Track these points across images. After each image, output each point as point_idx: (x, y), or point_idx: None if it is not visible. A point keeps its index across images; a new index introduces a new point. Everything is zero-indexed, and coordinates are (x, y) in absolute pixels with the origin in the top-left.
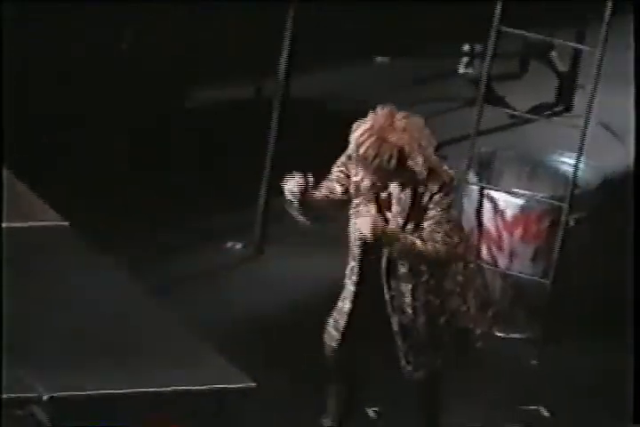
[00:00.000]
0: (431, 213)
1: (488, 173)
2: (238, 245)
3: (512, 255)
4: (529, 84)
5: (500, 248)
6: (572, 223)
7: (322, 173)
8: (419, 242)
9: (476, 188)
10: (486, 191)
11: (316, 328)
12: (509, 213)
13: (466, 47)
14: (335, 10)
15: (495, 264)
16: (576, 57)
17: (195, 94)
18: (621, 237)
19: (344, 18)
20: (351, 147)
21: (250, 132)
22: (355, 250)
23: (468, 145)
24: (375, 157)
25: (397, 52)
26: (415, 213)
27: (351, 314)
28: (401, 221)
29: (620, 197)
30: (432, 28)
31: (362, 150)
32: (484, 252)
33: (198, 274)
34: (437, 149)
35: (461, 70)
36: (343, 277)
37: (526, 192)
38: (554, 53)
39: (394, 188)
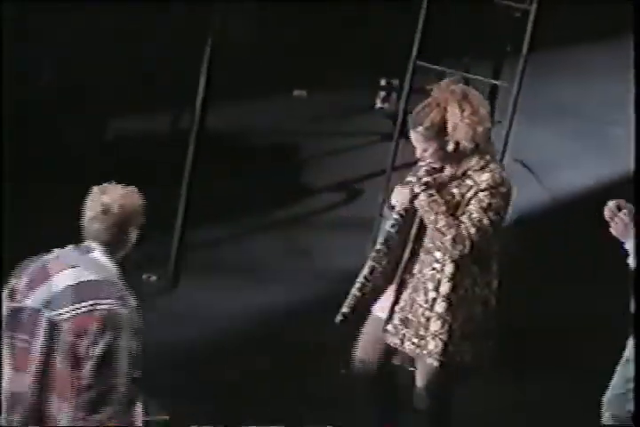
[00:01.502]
0: (469, 207)
1: None
2: (153, 278)
3: None
4: None
5: None
6: None
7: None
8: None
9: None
10: None
11: (226, 361)
12: None
13: (383, 82)
14: (254, 42)
15: None
16: (492, 92)
17: (112, 126)
18: (531, 274)
19: (263, 51)
20: None
21: (166, 163)
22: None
23: (384, 179)
24: (417, 114)
25: (315, 86)
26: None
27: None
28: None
29: (536, 232)
30: (349, 62)
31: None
32: None
33: None
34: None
35: (378, 105)
36: (255, 309)
37: None
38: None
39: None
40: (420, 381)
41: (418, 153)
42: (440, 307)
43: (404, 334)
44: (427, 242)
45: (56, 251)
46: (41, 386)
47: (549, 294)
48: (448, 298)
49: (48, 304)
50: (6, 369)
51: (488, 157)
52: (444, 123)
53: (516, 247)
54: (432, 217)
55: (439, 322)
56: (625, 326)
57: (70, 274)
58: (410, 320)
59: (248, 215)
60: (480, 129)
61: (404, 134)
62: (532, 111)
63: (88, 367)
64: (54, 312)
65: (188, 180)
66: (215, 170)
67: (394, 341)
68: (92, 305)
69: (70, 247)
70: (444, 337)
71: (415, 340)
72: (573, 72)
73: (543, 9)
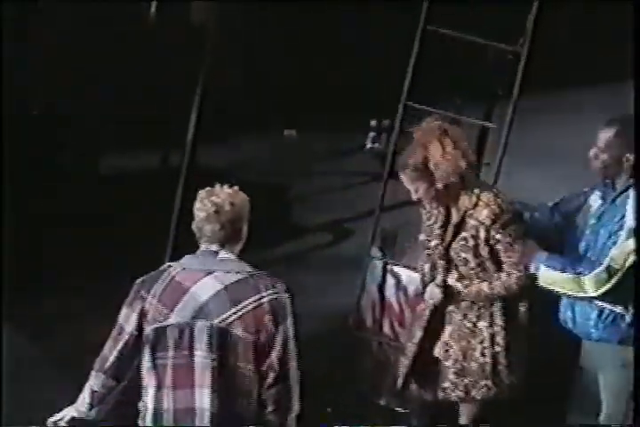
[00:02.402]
0: (498, 251)
1: (392, 249)
2: None
3: (412, 333)
4: None
5: (401, 324)
6: None
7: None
8: (485, 287)
9: (379, 262)
10: (390, 266)
11: None
12: (412, 289)
13: (373, 122)
14: (246, 81)
15: (397, 339)
16: (482, 134)
17: (105, 162)
18: None
19: (254, 90)
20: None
21: (154, 201)
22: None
23: (373, 220)
24: (403, 156)
25: (306, 126)
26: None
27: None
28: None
29: None
30: (341, 102)
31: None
32: (386, 327)
33: None
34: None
35: (368, 145)
36: None
37: None
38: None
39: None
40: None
41: (412, 195)
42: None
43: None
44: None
45: (174, 264)
46: (221, 395)
47: None
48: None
49: (200, 314)
50: (150, 389)
51: (477, 191)
52: (427, 161)
53: None
54: (479, 297)
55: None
56: None
57: (212, 280)
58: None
59: (240, 253)
60: (463, 163)
61: (394, 175)
62: (521, 154)
63: (274, 358)
64: (216, 320)
65: (177, 217)
66: None
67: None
68: (255, 301)
69: (192, 256)
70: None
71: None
72: (563, 115)
73: (534, 51)
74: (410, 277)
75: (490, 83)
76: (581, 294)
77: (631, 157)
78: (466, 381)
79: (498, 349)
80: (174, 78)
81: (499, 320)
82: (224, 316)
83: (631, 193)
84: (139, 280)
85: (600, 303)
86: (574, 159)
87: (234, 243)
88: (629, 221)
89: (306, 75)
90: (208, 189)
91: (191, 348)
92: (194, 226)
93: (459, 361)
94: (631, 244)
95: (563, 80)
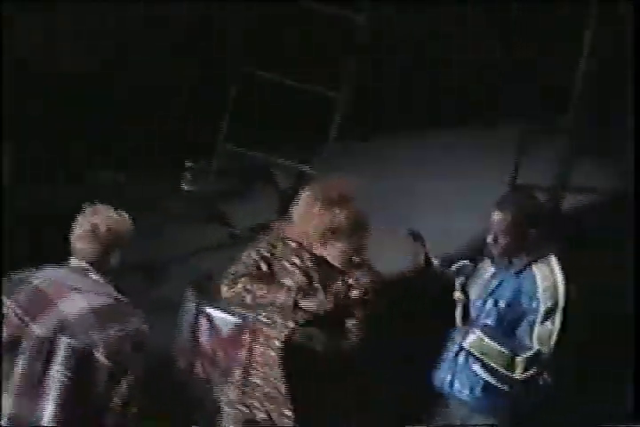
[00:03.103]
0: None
1: (207, 291)
2: None
3: (226, 373)
4: (252, 202)
5: (214, 365)
6: None
7: None
8: None
9: (193, 305)
10: (203, 308)
11: None
12: (225, 331)
13: (189, 164)
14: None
15: (209, 381)
16: (300, 178)
17: None
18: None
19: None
20: (315, 223)
21: None
22: None
23: (189, 262)
24: (349, 221)
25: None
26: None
27: None
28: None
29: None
30: (157, 143)
31: (330, 220)
32: (199, 368)
33: None
34: None
35: (185, 187)
36: None
37: (242, 311)
38: (277, 173)
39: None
40: None
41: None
42: None
43: None
44: None
45: (44, 272)
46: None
47: None
48: None
49: (62, 330)
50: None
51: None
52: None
53: None
54: None
55: None
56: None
57: (79, 299)
58: None
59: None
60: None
61: (211, 217)
62: None
63: (124, 386)
64: (81, 340)
65: None
66: None
67: None
68: (121, 329)
69: (62, 269)
70: None
71: None
72: (374, 160)
73: (354, 95)
74: (223, 320)
75: (307, 126)
76: (504, 373)
77: (534, 231)
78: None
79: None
80: None
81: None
82: (87, 337)
83: (536, 271)
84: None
85: (486, 377)
86: (390, 206)
87: (103, 265)
88: (546, 303)
89: (120, 115)
90: (94, 206)
91: (47, 361)
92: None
93: None
94: (552, 326)
95: (383, 125)
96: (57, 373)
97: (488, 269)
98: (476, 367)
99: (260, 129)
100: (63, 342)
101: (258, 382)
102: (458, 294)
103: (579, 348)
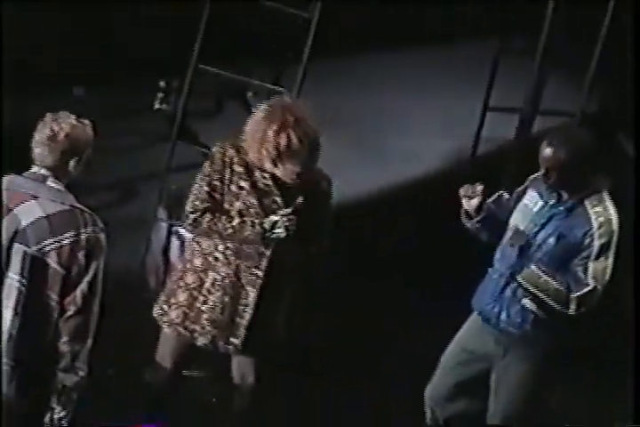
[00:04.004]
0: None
1: (178, 210)
2: None
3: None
4: (223, 123)
5: None
6: None
7: None
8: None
9: (164, 224)
10: (174, 228)
11: None
12: None
13: (162, 83)
14: (35, 38)
15: None
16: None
17: None
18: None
19: (39, 46)
20: (269, 146)
21: None
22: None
23: (160, 181)
24: (303, 143)
25: (94, 85)
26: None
27: None
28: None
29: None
30: (131, 61)
31: (286, 143)
32: None
33: None
34: None
35: (157, 106)
36: None
37: None
38: (250, 93)
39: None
40: None
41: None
42: None
43: None
44: None
45: (3, 180)
46: (22, 319)
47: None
48: None
49: (17, 238)
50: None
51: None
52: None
53: None
54: None
55: None
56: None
57: (35, 205)
58: None
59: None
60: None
61: (182, 136)
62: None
63: (79, 293)
64: (34, 247)
65: None
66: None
67: None
68: (74, 235)
69: (21, 176)
70: None
71: None
72: (352, 81)
73: (326, 17)
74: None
75: (280, 47)
76: (557, 309)
77: (586, 167)
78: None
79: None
80: None
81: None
82: (41, 244)
83: (589, 207)
84: None
85: (535, 311)
86: (361, 124)
87: (62, 174)
88: (600, 239)
89: (94, 32)
90: (55, 113)
91: (3, 268)
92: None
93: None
94: (606, 262)
95: (352, 46)
96: (12, 280)
97: (535, 202)
98: (526, 301)
99: (234, 50)
100: (18, 249)
101: (203, 308)
102: (513, 227)
103: (578, 348)
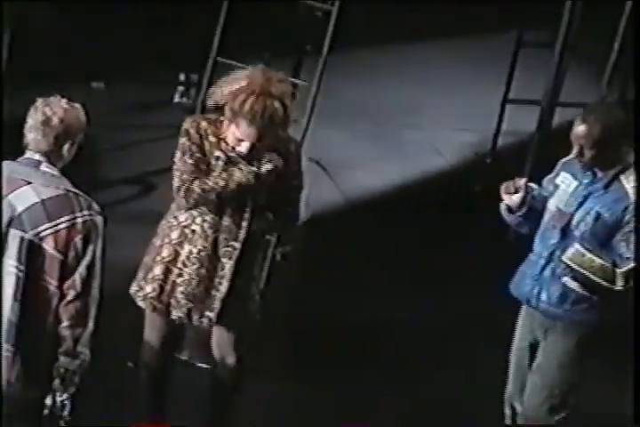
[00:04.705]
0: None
1: None
2: None
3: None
4: None
5: None
6: (278, 257)
7: None
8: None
9: None
10: None
11: None
12: None
13: (182, 76)
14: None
15: None
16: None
17: None
18: (325, 272)
19: (60, 41)
20: (232, 106)
21: None
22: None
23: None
24: (264, 111)
25: (113, 78)
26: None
27: None
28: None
29: (328, 232)
30: (150, 54)
31: (247, 107)
32: None
33: None
34: None
35: (177, 99)
36: None
37: None
38: None
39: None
40: None
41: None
42: None
43: None
44: None
45: None
46: (22, 304)
47: (344, 293)
48: None
49: (13, 223)
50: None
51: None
52: None
53: (309, 246)
54: None
55: None
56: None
57: (29, 191)
58: None
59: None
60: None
61: None
62: (329, 111)
63: (77, 278)
64: (29, 232)
65: None
66: None
67: None
68: (70, 220)
69: (15, 162)
70: None
71: None
72: (371, 74)
73: (345, 10)
74: None
75: (300, 39)
76: (605, 285)
77: (621, 141)
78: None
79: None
80: None
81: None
82: (37, 230)
83: (625, 182)
84: None
85: (577, 289)
86: (381, 118)
87: (56, 158)
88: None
89: (115, 26)
90: (46, 98)
91: (2, 255)
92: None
93: None
94: None
95: (372, 39)
96: (10, 267)
97: (569, 183)
98: (566, 279)
99: (253, 43)
100: (14, 236)
101: (178, 281)
102: (552, 210)
103: (618, 326)
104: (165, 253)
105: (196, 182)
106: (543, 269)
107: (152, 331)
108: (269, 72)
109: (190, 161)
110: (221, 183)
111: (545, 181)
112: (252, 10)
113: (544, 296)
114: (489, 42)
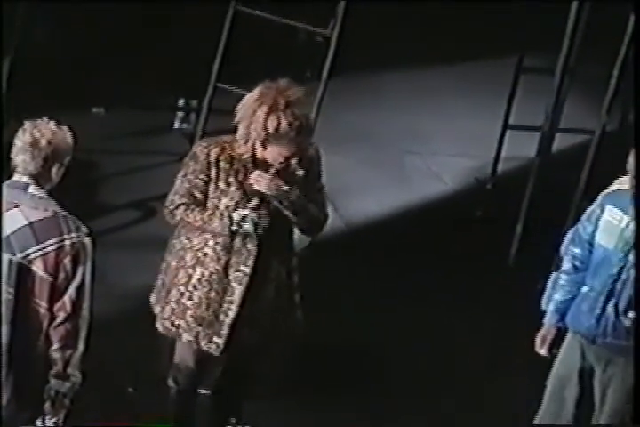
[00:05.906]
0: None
1: None
2: None
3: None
4: None
5: None
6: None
7: None
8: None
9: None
10: None
11: None
12: None
13: (182, 102)
14: (53, 58)
15: None
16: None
17: None
18: (326, 298)
19: (61, 67)
20: (258, 126)
21: None
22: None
23: None
24: (292, 127)
25: (113, 104)
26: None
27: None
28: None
29: (328, 258)
30: (149, 80)
31: (275, 125)
32: None
33: None
34: None
35: (177, 125)
36: None
37: None
38: None
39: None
40: None
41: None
42: None
43: None
44: None
45: None
46: (12, 327)
47: (345, 319)
48: None
49: (4, 248)
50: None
51: None
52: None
53: (309, 272)
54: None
55: None
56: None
57: (17, 214)
58: None
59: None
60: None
61: None
62: (330, 137)
63: (67, 300)
64: (17, 255)
65: None
66: None
67: None
68: (58, 242)
69: (3, 186)
70: None
71: None
72: (372, 100)
73: (345, 36)
74: None
75: (300, 65)
76: None
77: None
78: None
79: None
80: None
81: None
82: (26, 252)
83: None
84: None
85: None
86: (381, 143)
87: (44, 180)
88: None
89: (115, 51)
90: (34, 121)
91: None
92: (12, 155)
93: None
94: None
95: (373, 64)
96: (8, 292)
97: (620, 218)
98: (631, 315)
99: (252, 68)
100: (3, 259)
101: (188, 304)
102: (603, 246)
103: None
104: (181, 275)
105: (181, 209)
106: (605, 305)
107: (178, 357)
108: (274, 83)
109: (186, 185)
110: (198, 223)
111: (586, 216)
112: (251, 35)
113: (609, 333)
114: (489, 68)
